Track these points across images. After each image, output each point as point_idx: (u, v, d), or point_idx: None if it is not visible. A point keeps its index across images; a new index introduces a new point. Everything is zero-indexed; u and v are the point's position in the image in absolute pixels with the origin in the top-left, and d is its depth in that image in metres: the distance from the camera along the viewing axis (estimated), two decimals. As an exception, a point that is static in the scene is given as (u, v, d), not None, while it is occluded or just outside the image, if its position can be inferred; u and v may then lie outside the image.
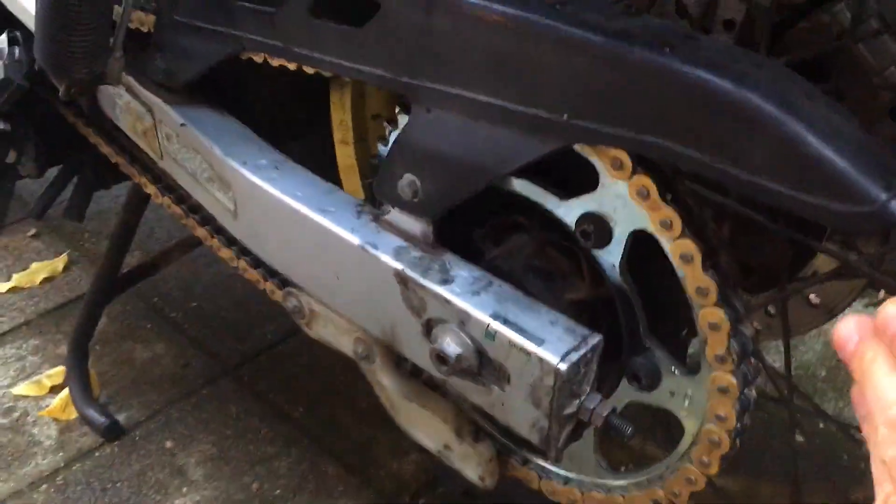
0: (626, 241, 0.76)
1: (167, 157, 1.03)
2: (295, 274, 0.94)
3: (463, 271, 0.83)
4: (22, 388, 1.51)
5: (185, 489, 1.35)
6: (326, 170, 1.11)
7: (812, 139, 0.62)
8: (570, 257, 0.84)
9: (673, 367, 0.79)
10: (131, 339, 1.63)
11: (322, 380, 1.53)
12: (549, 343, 0.76)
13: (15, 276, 1.74)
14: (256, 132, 1.02)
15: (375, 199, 0.88)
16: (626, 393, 0.84)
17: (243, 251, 1.06)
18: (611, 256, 0.78)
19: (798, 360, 1.58)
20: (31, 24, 1.00)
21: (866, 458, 0.46)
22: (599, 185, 0.75)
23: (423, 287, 0.82)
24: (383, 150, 0.88)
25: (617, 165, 0.72)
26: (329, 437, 1.44)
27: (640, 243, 0.76)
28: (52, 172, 1.40)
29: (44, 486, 1.35)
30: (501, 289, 0.82)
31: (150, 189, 1.16)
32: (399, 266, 0.83)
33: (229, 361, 1.58)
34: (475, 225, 0.90)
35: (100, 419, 1.43)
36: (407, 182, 0.82)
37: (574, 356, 0.76)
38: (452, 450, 0.96)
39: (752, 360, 0.77)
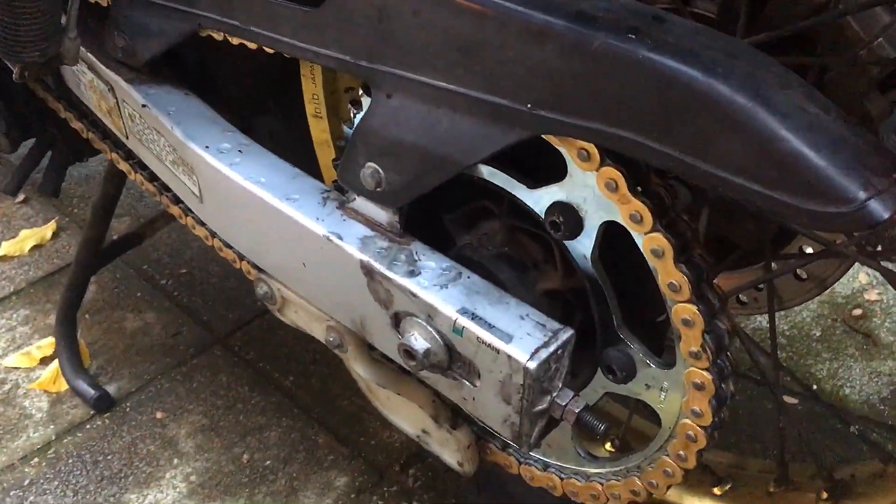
0: (598, 232, 0.73)
1: (132, 137, 1.00)
2: (262, 261, 0.91)
3: (431, 262, 0.80)
4: (12, 360, 1.50)
5: (175, 461, 1.35)
6: (301, 144, 1.07)
7: (786, 134, 0.58)
8: (542, 246, 0.81)
9: (648, 360, 0.77)
10: (121, 308, 1.62)
11: (313, 349, 1.51)
12: (518, 339, 0.74)
13: (4, 244, 1.73)
14: (225, 108, 0.98)
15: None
16: (600, 384, 0.81)
17: (218, 230, 1.03)
18: (582, 247, 0.74)
19: (792, 320, 1.54)
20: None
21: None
22: (568, 175, 0.71)
23: (389, 279, 0.79)
24: (349, 132, 0.84)
25: (584, 157, 0.68)
26: (320, 406, 1.43)
27: (615, 232, 0.73)
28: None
29: (35, 460, 1.36)
30: (470, 281, 0.79)
31: (123, 166, 1.13)
32: (364, 257, 0.80)
33: (220, 330, 1.57)
34: (445, 209, 0.86)
35: (90, 391, 1.42)
36: (369, 172, 0.78)
37: (544, 353, 0.73)
38: (430, 435, 0.95)
39: (729, 354, 0.74)
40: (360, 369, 0.91)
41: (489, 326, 0.75)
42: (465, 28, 0.68)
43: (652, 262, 0.70)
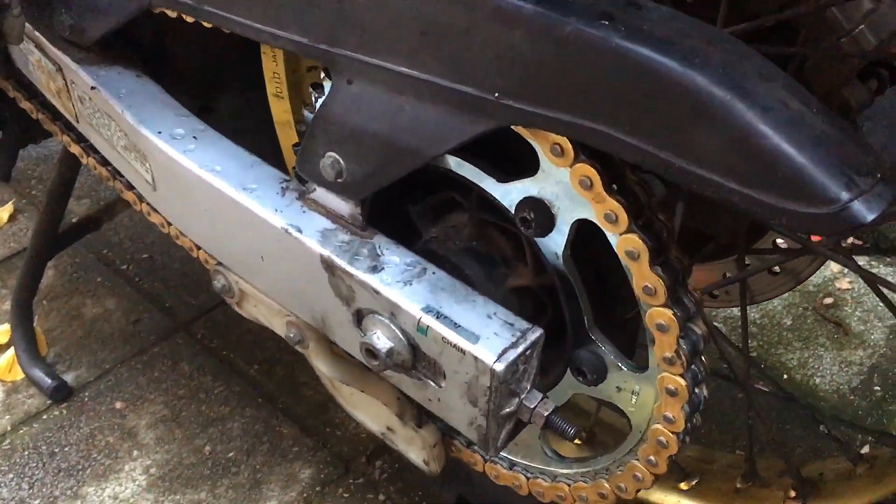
0: (570, 230, 0.69)
1: (83, 120, 0.95)
2: (218, 253, 0.87)
3: (395, 257, 0.76)
4: (-34, 348, 1.45)
5: (135, 453, 1.31)
6: (263, 125, 1.03)
7: (766, 129, 0.55)
8: (512, 241, 0.77)
9: (619, 363, 0.74)
10: (80, 294, 1.56)
11: (279, 337, 1.47)
12: (484, 340, 0.70)
13: (-41, 227, 1.67)
14: (181, 87, 0.93)
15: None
16: (570, 385, 0.78)
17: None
18: (554, 244, 0.71)
19: (763, 308, 1.52)
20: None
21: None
22: (540, 170, 0.68)
23: (350, 275, 0.75)
24: (309, 116, 0.80)
25: (557, 152, 0.64)
26: (285, 396, 1.40)
27: (588, 229, 0.69)
28: None
29: (-10, 452, 1.31)
30: (436, 277, 0.75)
31: (75, 149, 1.07)
32: (325, 251, 0.77)
33: (183, 317, 1.53)
34: (411, 201, 0.82)
35: (47, 380, 1.38)
36: (329, 161, 0.74)
37: (511, 354, 0.70)
38: (395, 433, 0.92)
39: (703, 358, 0.71)
40: (321, 366, 0.88)
41: (455, 326, 0.72)
42: (429, 10, 0.64)
43: (627, 263, 0.66)
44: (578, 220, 0.68)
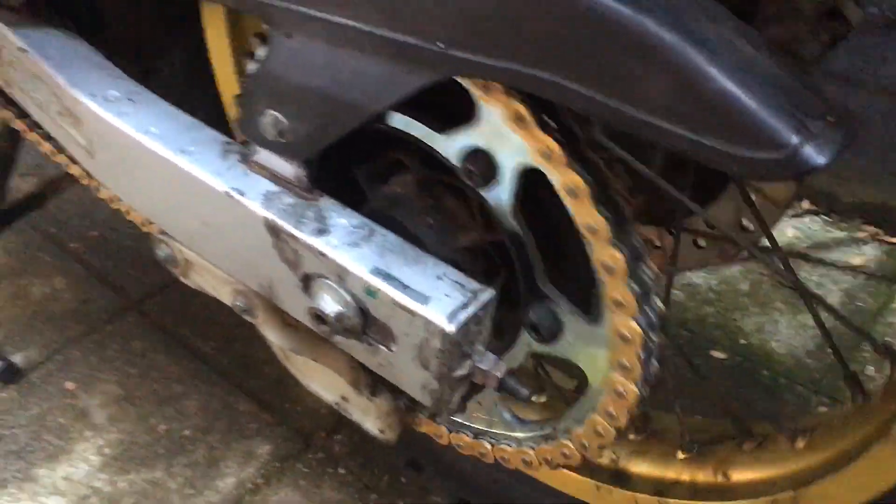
0: (515, 178, 0.67)
1: (14, 86, 0.91)
2: (160, 221, 0.84)
3: (341, 219, 0.74)
4: None
5: (87, 433, 1.28)
6: (205, 88, 0.99)
7: (714, 72, 0.53)
8: (460, 198, 0.75)
9: (573, 315, 0.72)
10: (28, 274, 1.52)
11: (234, 313, 1.44)
12: (434, 301, 0.68)
13: None
14: (116, 51, 0.89)
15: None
16: (526, 344, 0.77)
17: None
18: (500, 196, 0.69)
19: (720, 274, 1.53)
20: None
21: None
22: (476, 116, 0.65)
23: (296, 238, 0.73)
24: (253, 68, 0.76)
25: (486, 89, 0.62)
26: (241, 373, 1.37)
27: (536, 182, 0.67)
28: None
29: (-65, 438, 1.27)
30: (384, 239, 0.73)
31: (18, 125, 1.03)
32: (269, 215, 0.74)
33: (134, 295, 1.49)
34: (356, 161, 0.80)
35: (-6, 362, 1.33)
36: (270, 120, 0.72)
37: (462, 315, 0.68)
38: (350, 402, 0.90)
39: (657, 302, 0.70)
40: (271, 335, 0.85)
41: (404, 287, 0.69)
42: (369, -42, 0.62)
43: (569, 203, 0.64)
44: (522, 168, 0.66)
